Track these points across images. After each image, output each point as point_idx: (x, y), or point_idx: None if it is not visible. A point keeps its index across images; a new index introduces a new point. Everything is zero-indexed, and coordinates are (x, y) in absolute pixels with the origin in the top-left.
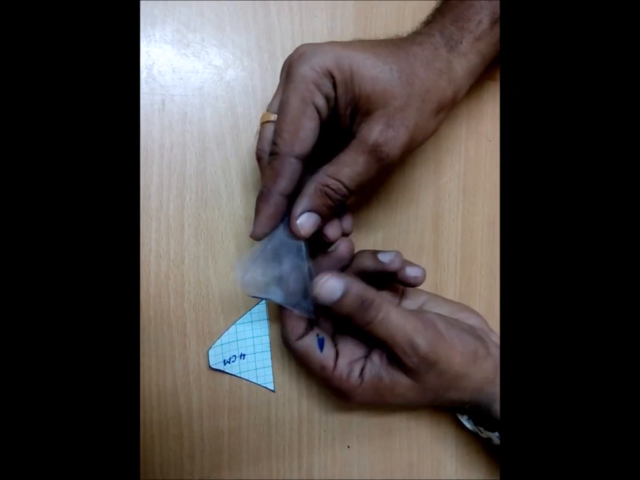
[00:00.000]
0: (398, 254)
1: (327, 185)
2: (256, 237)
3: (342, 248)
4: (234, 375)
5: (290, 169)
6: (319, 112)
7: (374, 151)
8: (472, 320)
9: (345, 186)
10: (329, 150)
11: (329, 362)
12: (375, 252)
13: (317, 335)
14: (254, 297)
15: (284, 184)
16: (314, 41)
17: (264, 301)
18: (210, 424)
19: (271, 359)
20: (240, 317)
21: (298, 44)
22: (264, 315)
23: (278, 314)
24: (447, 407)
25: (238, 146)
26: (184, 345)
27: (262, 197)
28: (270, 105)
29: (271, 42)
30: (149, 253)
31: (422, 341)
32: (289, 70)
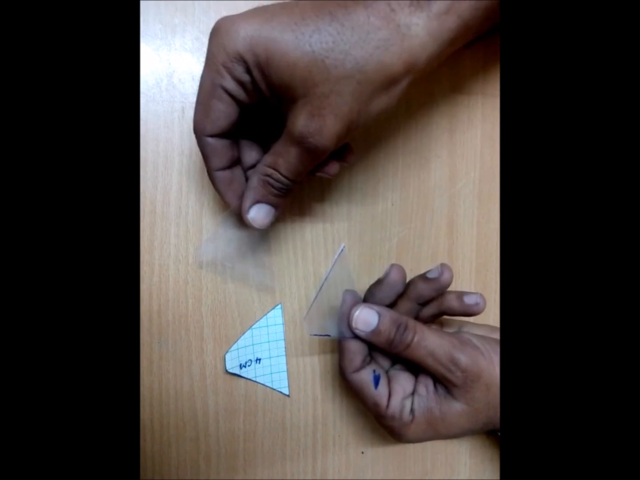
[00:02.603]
0: (445, 266)
1: (268, 176)
2: (235, 211)
3: (393, 274)
4: (249, 379)
5: (209, 147)
6: (231, 94)
7: (302, 143)
8: None
9: (284, 176)
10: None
11: (383, 400)
12: (424, 276)
13: (374, 371)
14: (315, 335)
15: (212, 162)
16: None
17: (279, 306)
18: (226, 427)
19: (286, 363)
20: (257, 322)
21: None
22: (280, 320)
23: (337, 344)
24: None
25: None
26: (201, 349)
27: (210, 178)
28: None
29: None
30: (168, 258)
31: (461, 355)
32: (208, 46)
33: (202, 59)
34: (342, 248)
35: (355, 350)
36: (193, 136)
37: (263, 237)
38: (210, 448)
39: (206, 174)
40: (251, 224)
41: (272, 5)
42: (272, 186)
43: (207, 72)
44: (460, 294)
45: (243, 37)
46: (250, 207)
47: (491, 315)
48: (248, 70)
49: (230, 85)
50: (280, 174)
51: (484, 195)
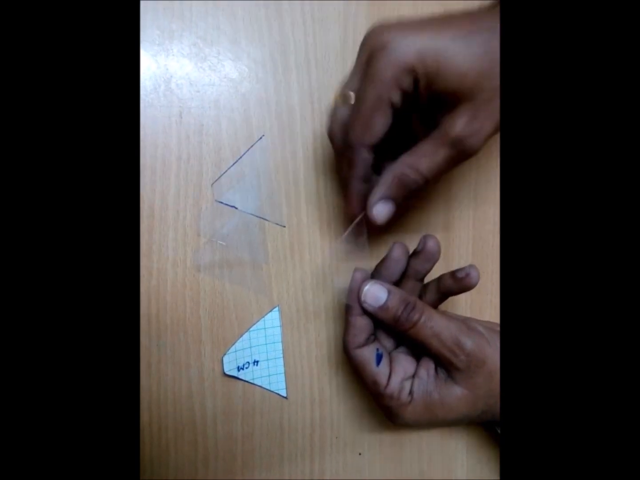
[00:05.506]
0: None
1: (406, 175)
2: (352, 215)
3: (396, 250)
4: (247, 381)
5: (362, 158)
6: (394, 105)
7: (457, 143)
8: None
9: (423, 176)
10: (404, 134)
11: (382, 379)
12: (453, 273)
13: (377, 349)
14: (221, 203)
15: (359, 172)
16: (327, 53)
17: (277, 308)
18: (224, 430)
19: (284, 365)
20: (254, 324)
21: (311, 56)
22: (277, 322)
23: (343, 320)
24: (499, 420)
25: (252, 157)
26: (199, 352)
27: (344, 185)
28: (347, 84)
29: (285, 55)
30: (166, 261)
31: (467, 340)
32: (369, 60)
33: (200, 64)
34: (261, 138)
35: (361, 327)
36: (191, 140)
37: (260, 239)
38: (208, 450)
39: (205, 178)
40: (374, 219)
41: (428, 18)
42: (407, 186)
43: (373, 86)
44: (453, 272)
45: (414, 50)
46: (377, 202)
47: (487, 316)
48: (415, 80)
49: (397, 98)
50: (421, 173)
51: (481, 196)
